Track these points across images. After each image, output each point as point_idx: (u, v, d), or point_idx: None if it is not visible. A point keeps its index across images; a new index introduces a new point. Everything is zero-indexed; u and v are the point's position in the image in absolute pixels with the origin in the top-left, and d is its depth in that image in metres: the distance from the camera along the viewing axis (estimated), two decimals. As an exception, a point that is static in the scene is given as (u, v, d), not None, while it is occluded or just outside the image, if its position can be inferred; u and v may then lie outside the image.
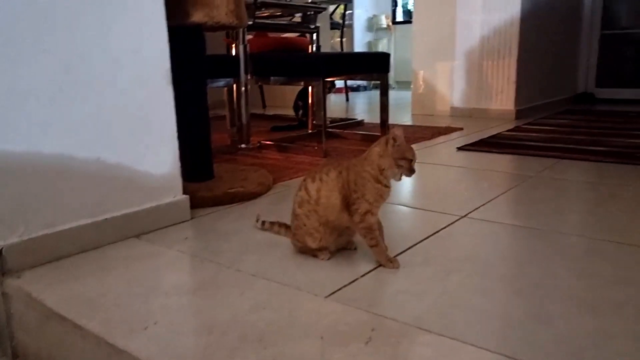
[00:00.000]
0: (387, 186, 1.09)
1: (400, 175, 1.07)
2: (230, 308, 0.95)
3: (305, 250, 1.18)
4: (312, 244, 1.15)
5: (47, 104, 1.15)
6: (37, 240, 1.15)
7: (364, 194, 1.08)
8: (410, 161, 1.06)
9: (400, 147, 1.06)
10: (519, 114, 3.49)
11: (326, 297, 0.98)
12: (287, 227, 1.29)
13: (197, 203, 1.55)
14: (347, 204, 1.10)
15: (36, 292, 1.03)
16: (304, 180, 1.16)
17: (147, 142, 1.36)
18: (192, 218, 1.48)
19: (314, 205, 1.12)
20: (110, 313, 0.94)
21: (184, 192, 1.46)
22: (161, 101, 1.38)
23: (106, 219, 1.28)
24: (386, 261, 1.11)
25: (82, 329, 0.90)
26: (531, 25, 3.51)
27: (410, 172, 1.07)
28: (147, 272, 1.13)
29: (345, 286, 1.03)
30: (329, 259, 1.16)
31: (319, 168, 1.15)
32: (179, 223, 1.44)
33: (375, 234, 1.10)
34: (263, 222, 1.35)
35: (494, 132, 2.92)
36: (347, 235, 1.18)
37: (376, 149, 1.08)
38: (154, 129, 1.37)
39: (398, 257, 1.15)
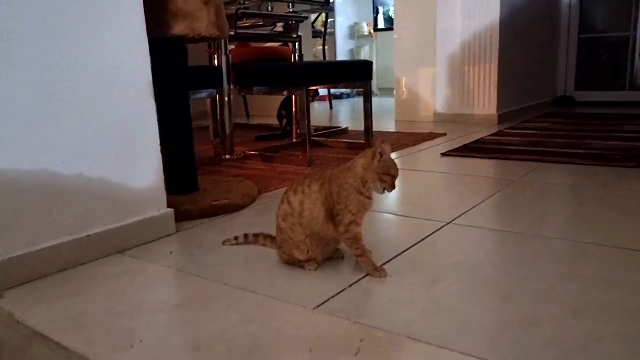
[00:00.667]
0: (369, 197, 1.09)
1: (383, 190, 1.08)
2: (218, 323, 0.94)
3: (292, 262, 1.17)
4: (300, 255, 1.14)
5: (25, 120, 1.13)
6: (18, 259, 1.13)
7: (347, 205, 1.08)
8: (393, 177, 1.08)
9: (386, 162, 1.07)
10: (501, 118, 3.52)
11: (314, 308, 0.98)
12: (272, 238, 1.28)
13: (182, 216, 1.54)
14: (331, 215, 1.10)
15: (18, 313, 1.01)
16: (286, 193, 1.15)
17: (130, 156, 1.35)
18: (176, 231, 1.46)
19: (297, 218, 1.12)
20: (94, 332, 0.93)
21: (168, 206, 1.45)
22: (144, 114, 1.37)
23: (88, 235, 1.26)
24: (373, 270, 1.11)
25: (66, 349, 0.89)
26: (510, 30, 3.56)
27: (391, 188, 1.08)
28: (132, 289, 1.11)
29: (332, 297, 1.02)
30: (316, 269, 1.15)
31: (300, 180, 1.15)
32: (164, 237, 1.42)
33: (360, 244, 1.10)
34: (246, 235, 1.34)
35: (476, 137, 2.95)
36: (334, 244, 1.18)
37: (361, 160, 1.08)
38: (137, 142, 1.36)
39: (385, 266, 1.15)
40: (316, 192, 1.10)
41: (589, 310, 0.93)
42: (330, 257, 1.21)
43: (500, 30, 3.41)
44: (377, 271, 1.10)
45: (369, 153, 1.08)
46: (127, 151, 1.34)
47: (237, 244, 1.34)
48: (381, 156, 1.06)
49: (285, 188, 1.19)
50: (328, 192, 1.09)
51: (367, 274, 1.11)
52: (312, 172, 1.20)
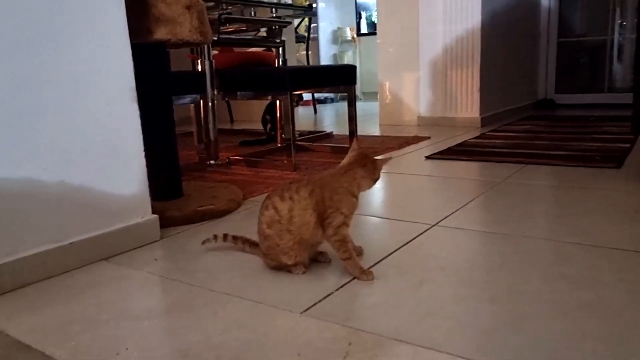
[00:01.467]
0: (357, 199, 1.14)
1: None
2: (205, 329, 0.93)
3: (279, 267, 1.17)
4: (288, 261, 1.14)
5: (5, 128, 1.12)
6: (0, 268, 1.11)
7: (339, 207, 1.10)
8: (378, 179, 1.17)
9: (379, 171, 1.16)
10: (484, 121, 3.56)
11: (301, 313, 0.97)
12: (251, 243, 1.28)
13: (167, 222, 1.53)
14: (322, 220, 1.10)
15: (0, 323, 0.99)
16: (270, 199, 1.14)
17: (113, 162, 1.33)
18: (161, 238, 1.45)
19: (286, 224, 1.11)
20: (79, 340, 0.91)
21: (153, 212, 1.44)
22: (127, 120, 1.36)
23: (72, 242, 1.24)
24: (360, 273, 1.11)
25: (50, 359, 0.87)
26: (492, 34, 3.60)
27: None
28: (117, 296, 1.10)
29: (320, 301, 1.02)
30: (304, 272, 1.15)
31: (284, 185, 1.15)
32: (149, 244, 1.41)
33: (348, 247, 1.11)
34: (225, 236, 1.31)
35: (460, 140, 2.97)
36: (317, 245, 1.18)
37: (360, 171, 1.13)
38: (120, 149, 1.35)
39: (372, 269, 1.15)
40: (306, 198, 1.10)
41: (574, 309, 0.94)
42: (316, 261, 1.21)
43: (481, 34, 3.45)
44: (364, 274, 1.11)
45: (370, 166, 1.13)
46: (110, 157, 1.32)
47: (216, 243, 1.32)
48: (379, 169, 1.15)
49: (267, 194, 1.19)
50: (320, 198, 1.10)
51: (354, 278, 1.11)
52: (297, 177, 1.19)
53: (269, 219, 1.13)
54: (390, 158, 1.27)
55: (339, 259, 1.12)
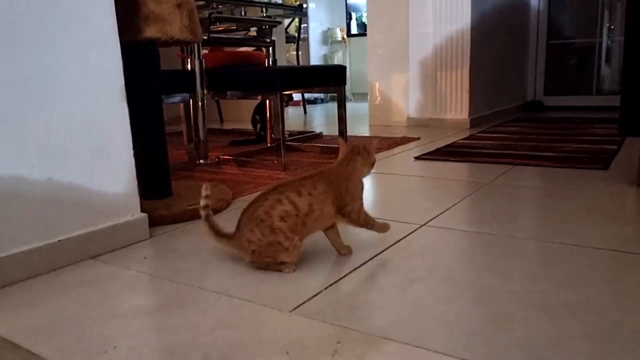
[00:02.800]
0: (362, 183, 1.27)
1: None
2: (193, 327, 0.93)
3: (267, 266, 1.17)
4: (287, 258, 1.15)
5: (-6, 124, 1.11)
6: (-14, 266, 1.10)
7: (354, 194, 1.22)
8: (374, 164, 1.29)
9: (373, 156, 1.29)
10: (473, 122, 3.58)
11: (290, 311, 0.98)
12: (223, 235, 1.22)
13: (156, 221, 1.52)
14: (340, 209, 1.20)
15: (-14, 321, 0.98)
16: (282, 194, 1.14)
17: (102, 161, 1.33)
18: (150, 237, 1.44)
19: (303, 217, 1.14)
20: (67, 339, 0.91)
21: (142, 211, 1.43)
22: (116, 118, 1.35)
23: (60, 240, 1.24)
24: (385, 228, 1.29)
25: (37, 357, 0.87)
26: (481, 36, 3.62)
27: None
28: (105, 295, 1.10)
29: (309, 299, 1.02)
30: (294, 271, 1.16)
31: (295, 182, 1.17)
32: (137, 242, 1.41)
33: (371, 219, 1.25)
34: (206, 207, 1.22)
35: (449, 141, 2.99)
36: None
37: (359, 158, 1.25)
38: (109, 147, 1.34)
39: (360, 268, 1.16)
40: (324, 192, 1.17)
41: (560, 309, 0.95)
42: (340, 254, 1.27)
43: (471, 36, 3.47)
44: (387, 226, 1.30)
45: (364, 152, 1.26)
46: (99, 156, 1.32)
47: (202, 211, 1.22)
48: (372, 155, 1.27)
49: (261, 191, 1.19)
50: (337, 189, 1.19)
51: (343, 277, 1.12)
52: (309, 173, 1.21)
53: (283, 213, 1.14)
54: (375, 138, 1.35)
55: (371, 231, 1.26)
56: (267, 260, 1.17)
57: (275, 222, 1.13)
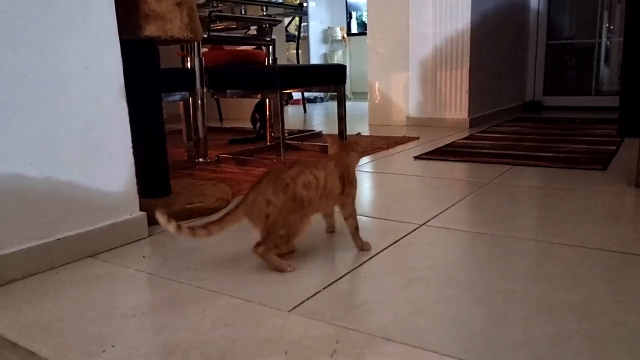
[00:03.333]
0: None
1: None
2: (192, 327, 0.93)
3: (275, 247, 1.15)
4: (297, 232, 1.17)
5: (-7, 122, 1.11)
6: (-15, 264, 1.10)
7: (351, 181, 1.28)
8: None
9: (362, 146, 1.36)
10: (473, 122, 3.58)
11: (289, 311, 0.98)
12: (205, 225, 1.14)
13: (155, 220, 1.51)
14: (342, 189, 1.25)
15: (-15, 319, 0.98)
16: (304, 166, 1.20)
17: (101, 159, 1.32)
18: (149, 235, 1.44)
19: (320, 190, 1.20)
20: (65, 337, 0.91)
21: (141, 209, 1.43)
22: (115, 117, 1.35)
23: (59, 239, 1.23)
24: (365, 247, 1.29)
25: (35, 356, 0.87)
26: (481, 36, 3.62)
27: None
28: (104, 293, 1.09)
29: (308, 299, 1.02)
30: (294, 269, 1.16)
31: (308, 164, 1.22)
32: (136, 241, 1.40)
33: (355, 213, 1.29)
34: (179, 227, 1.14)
35: (449, 140, 2.99)
36: None
37: (353, 153, 1.32)
38: (109, 145, 1.34)
39: (359, 268, 1.16)
40: (334, 169, 1.24)
41: (559, 309, 0.95)
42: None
43: (471, 36, 3.47)
44: (366, 245, 1.29)
45: (355, 146, 1.33)
46: (98, 154, 1.32)
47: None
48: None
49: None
50: (341, 171, 1.25)
51: (341, 277, 1.12)
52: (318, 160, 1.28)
53: (307, 182, 1.17)
54: (359, 133, 1.48)
55: (353, 228, 1.28)
56: (280, 234, 1.13)
57: (299, 190, 1.16)
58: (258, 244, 1.15)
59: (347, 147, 1.32)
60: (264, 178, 1.17)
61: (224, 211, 1.22)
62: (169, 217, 1.12)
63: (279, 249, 1.17)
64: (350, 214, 1.27)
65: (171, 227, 1.12)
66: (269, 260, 1.16)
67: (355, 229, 1.28)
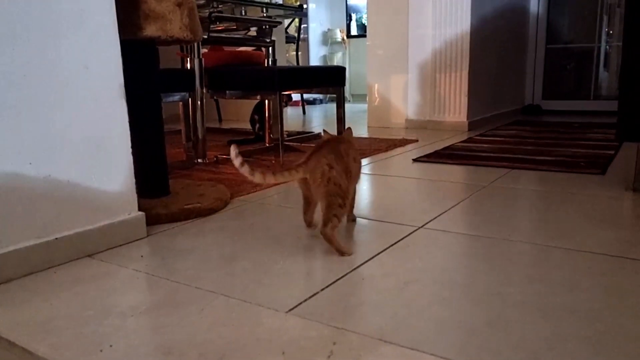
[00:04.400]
0: None
1: None
2: (189, 327, 0.93)
3: (337, 215, 1.24)
4: (344, 210, 1.26)
5: (-8, 121, 1.11)
6: (-17, 263, 1.10)
7: (352, 171, 1.31)
8: None
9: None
10: (471, 125, 3.59)
11: (287, 312, 0.98)
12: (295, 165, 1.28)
13: (153, 220, 1.52)
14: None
15: (-18, 318, 0.98)
16: (352, 144, 1.35)
17: (100, 158, 1.32)
18: (147, 235, 1.44)
19: (346, 164, 1.28)
20: (62, 337, 0.91)
21: (139, 209, 1.43)
22: (114, 116, 1.35)
23: (57, 238, 1.23)
24: (345, 250, 1.27)
25: (33, 355, 0.87)
26: (481, 39, 3.63)
27: None
28: (102, 293, 1.09)
29: (305, 300, 1.02)
30: (351, 254, 1.25)
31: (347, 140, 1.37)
32: (135, 241, 1.40)
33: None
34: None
35: (447, 143, 2.99)
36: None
37: (350, 145, 1.36)
38: (107, 145, 1.34)
39: (357, 269, 1.16)
40: (353, 151, 1.33)
41: (556, 312, 0.95)
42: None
43: (470, 39, 3.47)
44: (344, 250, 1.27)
45: (354, 142, 1.39)
46: (97, 154, 1.32)
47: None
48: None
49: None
50: (347, 162, 1.29)
51: (339, 278, 1.12)
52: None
53: (355, 157, 1.33)
54: (349, 127, 1.50)
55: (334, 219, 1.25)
56: (339, 203, 1.23)
57: (350, 162, 1.27)
58: (324, 223, 1.23)
59: (343, 142, 1.36)
60: (322, 147, 1.27)
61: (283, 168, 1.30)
62: (238, 153, 1.21)
63: (340, 221, 1.24)
64: (352, 204, 1.41)
65: (237, 160, 1.21)
66: (334, 242, 1.23)
67: (335, 227, 1.28)
